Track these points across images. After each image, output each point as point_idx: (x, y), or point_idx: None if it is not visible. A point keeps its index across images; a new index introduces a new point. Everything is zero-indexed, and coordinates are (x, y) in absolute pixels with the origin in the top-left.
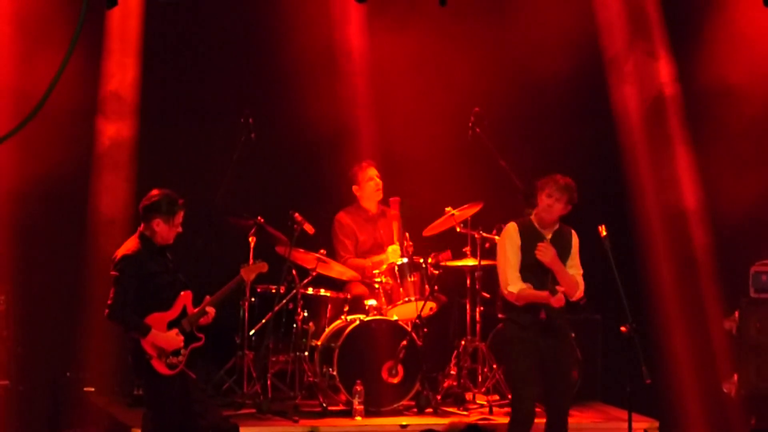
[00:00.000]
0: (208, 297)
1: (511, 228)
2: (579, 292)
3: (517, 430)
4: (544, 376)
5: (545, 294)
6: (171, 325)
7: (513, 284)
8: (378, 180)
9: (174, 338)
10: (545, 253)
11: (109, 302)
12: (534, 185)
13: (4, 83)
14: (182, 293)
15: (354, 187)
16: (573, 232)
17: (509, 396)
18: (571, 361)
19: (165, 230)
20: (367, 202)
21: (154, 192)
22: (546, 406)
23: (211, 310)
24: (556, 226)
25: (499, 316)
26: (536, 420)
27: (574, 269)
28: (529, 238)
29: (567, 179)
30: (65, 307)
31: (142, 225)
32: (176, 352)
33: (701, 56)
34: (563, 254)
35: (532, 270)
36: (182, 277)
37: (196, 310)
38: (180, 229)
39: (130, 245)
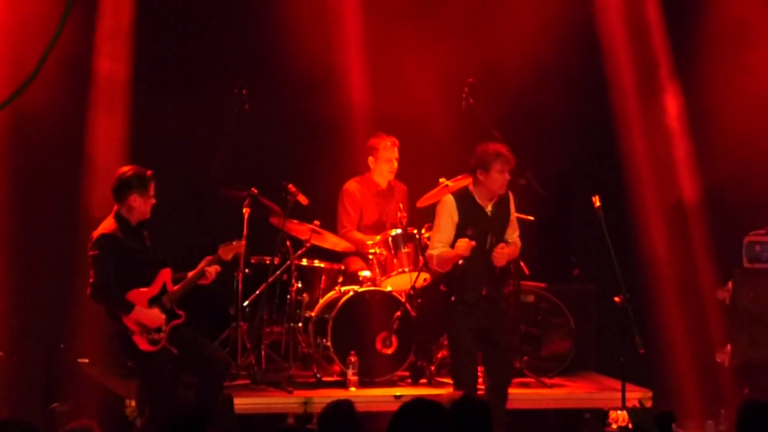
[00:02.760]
0: (207, 263)
1: (449, 202)
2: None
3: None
4: (484, 351)
5: (461, 249)
6: (152, 302)
7: (434, 249)
8: (396, 164)
9: (157, 315)
10: (499, 259)
11: (90, 281)
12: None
13: None
14: (162, 270)
15: (369, 159)
16: (510, 193)
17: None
18: (504, 333)
19: (141, 204)
20: (379, 177)
21: (122, 170)
22: (487, 380)
23: (214, 269)
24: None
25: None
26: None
27: (514, 233)
28: (468, 211)
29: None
30: (59, 279)
31: (116, 205)
32: (157, 329)
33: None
34: (504, 221)
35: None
36: (160, 255)
37: (177, 287)
38: (154, 201)
39: (106, 225)
